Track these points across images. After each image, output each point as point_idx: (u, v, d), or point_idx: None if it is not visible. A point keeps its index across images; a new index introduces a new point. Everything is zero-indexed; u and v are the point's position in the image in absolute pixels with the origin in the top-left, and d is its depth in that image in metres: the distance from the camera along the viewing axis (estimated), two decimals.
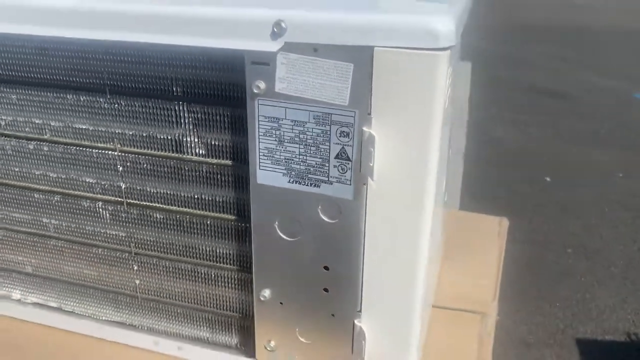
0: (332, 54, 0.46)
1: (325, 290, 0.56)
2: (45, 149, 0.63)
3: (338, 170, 0.50)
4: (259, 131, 0.51)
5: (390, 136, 0.47)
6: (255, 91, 0.49)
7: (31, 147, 0.64)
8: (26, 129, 0.63)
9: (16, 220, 0.69)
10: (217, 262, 0.62)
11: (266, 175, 0.53)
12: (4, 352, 0.69)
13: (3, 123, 0.63)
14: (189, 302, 0.65)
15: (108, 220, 0.65)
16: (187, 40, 0.49)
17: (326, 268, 0.55)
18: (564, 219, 2.10)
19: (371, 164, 0.48)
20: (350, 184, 0.50)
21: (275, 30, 0.46)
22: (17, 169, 0.66)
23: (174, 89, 0.55)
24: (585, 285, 1.75)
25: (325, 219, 0.52)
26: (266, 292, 0.58)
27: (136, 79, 0.56)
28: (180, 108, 0.56)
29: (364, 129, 0.48)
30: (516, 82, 3.53)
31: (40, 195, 0.66)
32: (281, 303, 0.59)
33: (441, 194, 0.60)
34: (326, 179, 0.51)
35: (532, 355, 1.49)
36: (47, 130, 0.62)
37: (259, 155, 0.52)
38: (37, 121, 0.62)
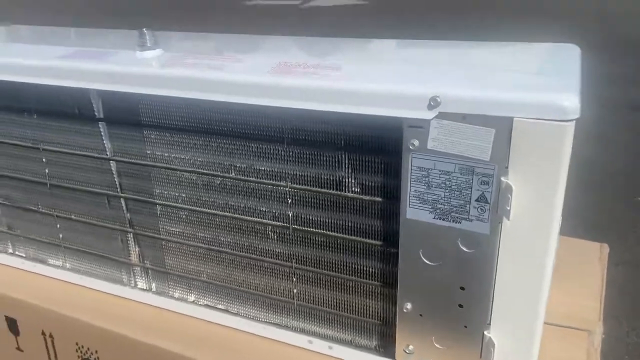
0: (478, 121, 0.59)
1: (460, 305, 0.69)
2: (229, 183, 0.80)
3: (477, 210, 0.63)
4: (411, 177, 0.65)
5: (523, 186, 0.59)
6: (410, 147, 0.63)
7: (217, 182, 0.81)
8: (215, 168, 0.80)
9: (199, 238, 0.86)
10: (364, 278, 0.76)
11: (415, 212, 0.66)
12: (185, 341, 0.86)
13: (198, 162, 0.81)
14: (338, 310, 0.80)
15: (275, 241, 0.81)
16: (360, 110, 0.64)
17: (462, 288, 0.68)
18: None
19: (508, 208, 0.60)
20: (487, 222, 0.62)
21: (432, 103, 0.60)
22: (205, 198, 0.83)
23: (339, 142, 0.70)
24: None
25: (464, 248, 0.65)
26: (408, 305, 0.72)
27: (309, 133, 0.71)
28: (343, 156, 0.70)
29: (502, 178, 0.60)
30: (610, 99, 3.48)
31: (221, 219, 0.83)
32: (421, 315, 0.72)
33: (559, 223, 0.71)
34: (467, 217, 0.64)
35: None
36: (232, 170, 0.79)
37: (410, 196, 0.66)
38: (225, 162, 0.79)
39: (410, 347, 0.74)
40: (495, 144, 0.59)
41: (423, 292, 0.70)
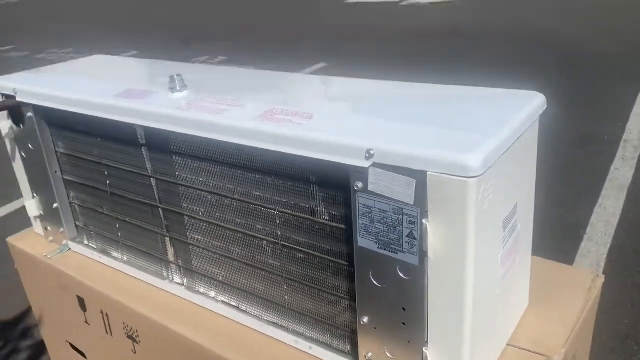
0: (404, 172, 0.70)
1: (404, 323, 0.80)
2: (235, 204, 0.97)
3: (408, 245, 0.74)
4: (358, 213, 0.77)
5: (440, 228, 0.70)
6: (356, 188, 0.76)
7: (226, 202, 0.98)
8: (223, 191, 0.97)
9: (214, 245, 1.04)
10: (336, 293, 0.90)
11: (363, 241, 0.79)
12: (201, 330, 1.05)
13: (211, 184, 0.98)
14: (320, 317, 0.94)
15: (269, 253, 0.96)
16: (317, 155, 0.77)
17: (403, 309, 0.79)
18: None
19: (427, 244, 0.71)
20: (417, 255, 0.74)
21: (367, 155, 0.72)
22: (217, 214, 1.01)
23: (312, 178, 0.84)
24: None
25: (402, 275, 0.77)
26: (365, 319, 0.84)
27: (290, 169, 0.86)
28: (315, 189, 0.84)
29: (424, 220, 0.71)
30: None
31: (229, 232, 1.00)
32: (375, 328, 0.84)
33: (496, 260, 0.80)
34: (401, 249, 0.75)
35: None
36: (236, 193, 0.95)
37: (359, 228, 0.78)
38: (230, 187, 0.96)
39: (370, 354, 0.87)
40: (417, 192, 0.70)
41: (375, 309, 0.83)
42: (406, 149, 0.70)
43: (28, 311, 2.06)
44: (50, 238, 1.39)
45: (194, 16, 9.40)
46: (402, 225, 0.74)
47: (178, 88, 1.01)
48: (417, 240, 0.73)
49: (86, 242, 1.34)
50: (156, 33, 7.93)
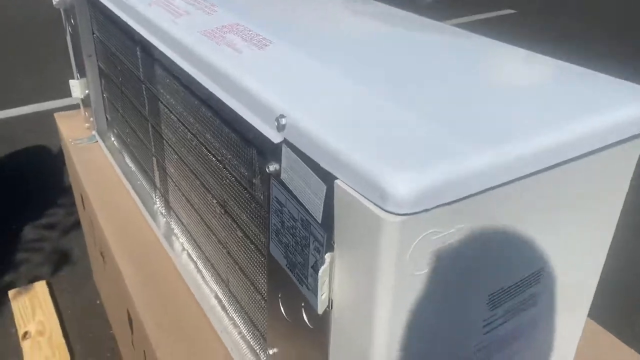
0: (314, 168, 0.42)
1: None
2: (190, 137, 0.75)
3: (313, 280, 0.46)
4: (271, 207, 0.51)
5: (348, 272, 0.41)
6: (270, 170, 0.48)
7: (188, 135, 0.76)
8: (186, 122, 0.75)
9: (182, 187, 0.84)
10: (254, 289, 0.65)
11: (274, 249, 0.52)
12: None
13: (178, 111, 0.77)
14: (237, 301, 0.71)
15: (209, 210, 0.74)
16: (228, 100, 0.51)
17: None
18: None
19: (328, 291, 0.43)
20: (316, 299, 0.46)
21: (277, 123, 0.44)
22: (183, 148, 0.80)
23: (251, 138, 0.58)
24: None
25: (306, 319, 0.49)
26: (273, 350, 0.59)
27: (228, 120, 0.60)
28: (253, 154, 0.58)
29: (327, 255, 0.42)
30: None
31: (190, 175, 0.79)
32: None
33: (464, 348, 0.49)
34: (306, 282, 0.48)
35: None
36: (193, 129, 0.73)
37: (271, 228, 0.52)
38: (190, 118, 0.73)
39: None
40: (326, 206, 0.41)
41: (282, 346, 0.57)
42: (322, 130, 0.41)
43: None
44: (87, 124, 1.30)
45: None
46: (308, 249, 0.46)
47: None
48: (318, 281, 0.45)
49: (111, 138, 1.23)
50: None
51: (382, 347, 0.41)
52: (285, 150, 0.45)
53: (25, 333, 1.47)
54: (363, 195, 0.36)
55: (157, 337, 0.77)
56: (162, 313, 0.80)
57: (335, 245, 0.42)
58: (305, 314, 0.49)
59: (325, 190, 0.41)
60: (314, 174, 0.42)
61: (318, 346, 0.49)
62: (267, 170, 0.48)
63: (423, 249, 0.37)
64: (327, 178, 0.40)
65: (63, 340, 1.45)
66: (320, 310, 0.45)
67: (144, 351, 0.85)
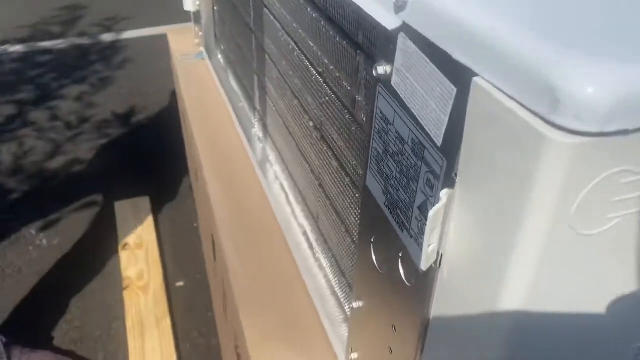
0: (442, 64, 0.29)
1: (390, 350, 0.43)
2: (293, 48, 0.64)
3: (418, 226, 0.34)
4: (374, 125, 0.39)
5: (472, 217, 0.29)
6: (379, 72, 0.36)
7: (290, 47, 0.66)
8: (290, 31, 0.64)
9: (280, 108, 0.75)
10: (345, 225, 0.54)
11: (371, 180, 0.41)
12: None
13: (285, 21, 0.66)
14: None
15: (305, 134, 0.63)
16: None
17: (394, 327, 0.41)
18: None
19: (441, 241, 0.31)
20: (421, 251, 0.34)
21: (397, 1, 0.31)
22: (283, 63, 0.69)
23: (360, 37, 0.45)
24: None
25: (403, 273, 0.38)
26: (359, 303, 0.49)
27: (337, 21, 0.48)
28: (360, 59, 0.46)
29: (444, 191, 0.30)
30: None
31: (289, 94, 0.69)
32: (364, 328, 0.48)
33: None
34: (408, 227, 0.36)
35: None
36: (296, 38, 0.62)
37: (371, 154, 0.40)
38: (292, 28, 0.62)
39: (355, 355, 0.52)
40: (451, 122, 0.29)
41: (369, 297, 0.46)
42: (459, 3, 0.27)
43: None
44: (197, 40, 1.25)
45: None
46: (417, 181, 0.34)
47: None
48: (427, 226, 0.32)
49: (217, 55, 1.16)
50: None
51: (511, 331, 0.29)
52: (402, 40, 0.32)
53: (125, 244, 1.50)
54: (517, 101, 0.23)
55: (236, 270, 0.69)
56: (244, 245, 0.73)
57: (457, 180, 0.29)
58: (403, 267, 0.38)
59: (454, 95, 0.28)
60: (439, 72, 0.29)
61: (414, 311, 0.37)
62: (374, 73, 0.36)
63: (604, 195, 0.23)
64: (461, 76, 0.27)
65: (158, 257, 1.47)
66: (424, 266, 0.33)
67: (222, 280, 0.79)
